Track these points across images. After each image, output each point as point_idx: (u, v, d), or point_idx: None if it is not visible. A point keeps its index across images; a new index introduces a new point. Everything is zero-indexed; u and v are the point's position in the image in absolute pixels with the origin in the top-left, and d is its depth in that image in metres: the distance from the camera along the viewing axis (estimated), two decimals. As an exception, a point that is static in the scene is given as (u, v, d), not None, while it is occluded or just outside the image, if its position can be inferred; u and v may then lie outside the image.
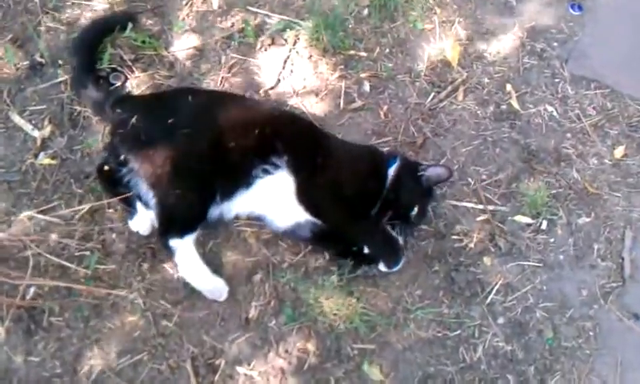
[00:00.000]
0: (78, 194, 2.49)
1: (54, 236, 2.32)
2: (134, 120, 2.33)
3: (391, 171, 2.48)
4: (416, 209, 2.46)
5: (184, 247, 2.32)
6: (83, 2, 2.91)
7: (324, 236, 2.49)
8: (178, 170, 2.29)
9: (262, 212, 2.48)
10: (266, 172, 2.39)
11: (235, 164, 2.37)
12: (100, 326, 2.29)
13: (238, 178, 2.39)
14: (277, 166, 2.39)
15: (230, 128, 2.37)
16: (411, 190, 2.47)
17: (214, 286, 2.37)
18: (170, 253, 2.35)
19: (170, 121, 2.33)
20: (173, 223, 2.33)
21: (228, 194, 2.39)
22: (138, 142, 2.32)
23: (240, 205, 2.44)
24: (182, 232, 2.32)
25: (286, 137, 2.42)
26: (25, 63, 2.73)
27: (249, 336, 2.34)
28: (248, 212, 2.49)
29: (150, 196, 2.34)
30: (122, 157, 2.34)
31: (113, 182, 2.39)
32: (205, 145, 2.33)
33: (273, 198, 2.43)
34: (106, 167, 2.42)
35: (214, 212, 2.40)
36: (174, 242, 2.31)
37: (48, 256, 2.25)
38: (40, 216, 2.33)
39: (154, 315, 2.33)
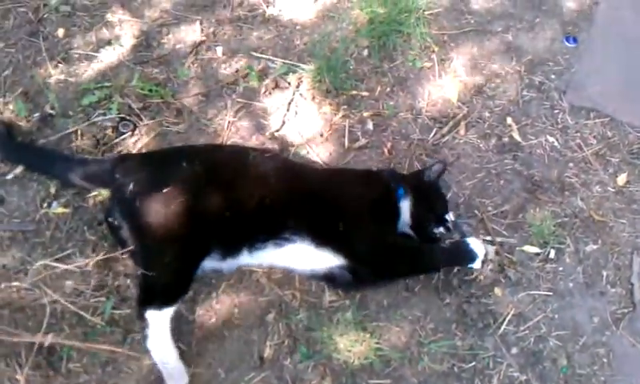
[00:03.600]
0: (92, 241, 2.51)
1: (69, 283, 2.36)
2: (131, 187, 2.30)
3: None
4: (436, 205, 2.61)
5: (159, 321, 2.26)
6: (91, 53, 2.97)
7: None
8: (167, 240, 2.27)
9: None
10: (277, 245, 2.41)
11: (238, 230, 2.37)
12: (117, 370, 2.29)
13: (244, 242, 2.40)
14: (289, 240, 2.40)
15: (229, 194, 2.36)
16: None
17: (176, 372, 2.29)
18: (143, 323, 2.28)
19: (164, 191, 2.29)
20: (154, 293, 2.27)
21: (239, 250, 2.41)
22: (132, 209, 2.29)
23: (261, 259, 2.46)
24: (161, 304, 2.27)
25: (296, 209, 2.42)
26: (35, 115, 2.77)
27: (264, 375, 2.34)
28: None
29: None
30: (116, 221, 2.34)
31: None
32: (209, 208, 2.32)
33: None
34: (111, 219, 2.41)
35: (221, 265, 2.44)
36: (150, 314, 2.25)
37: (64, 303, 2.26)
38: (55, 264, 2.35)
39: (171, 358, 2.33)
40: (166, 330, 2.27)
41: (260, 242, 2.39)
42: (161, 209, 2.27)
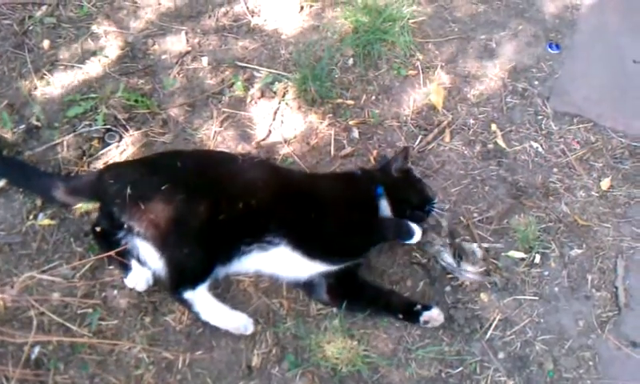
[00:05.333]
0: (78, 252, 2.51)
1: (56, 295, 2.36)
2: (129, 191, 2.35)
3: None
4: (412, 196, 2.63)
5: (199, 296, 2.36)
6: (76, 65, 2.98)
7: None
8: (183, 232, 2.34)
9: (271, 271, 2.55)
10: (262, 248, 2.44)
11: (229, 232, 2.41)
12: (105, 381, 2.29)
13: (234, 246, 2.44)
14: (272, 244, 2.43)
15: (221, 197, 2.41)
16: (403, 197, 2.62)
17: (238, 323, 2.40)
18: (186, 305, 2.39)
19: (163, 188, 2.36)
20: (184, 278, 2.36)
21: (231, 256, 2.45)
22: (138, 210, 2.34)
23: (247, 265, 2.50)
24: (193, 284, 2.35)
25: (279, 211, 2.45)
26: (21, 127, 2.77)
27: (253, 384, 2.35)
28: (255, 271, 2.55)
29: (154, 256, 2.38)
30: (125, 224, 2.38)
31: (108, 241, 2.43)
32: (201, 207, 2.36)
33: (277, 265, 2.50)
34: (98, 228, 2.47)
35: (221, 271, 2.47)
36: (188, 295, 2.35)
37: (51, 315, 2.27)
38: (41, 276, 2.35)
39: (159, 368, 2.33)
40: (209, 298, 2.39)
41: (246, 246, 2.42)
42: (164, 205, 2.33)
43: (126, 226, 2.38)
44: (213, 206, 2.37)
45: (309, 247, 2.44)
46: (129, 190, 2.35)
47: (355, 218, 2.52)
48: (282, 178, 2.62)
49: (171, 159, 2.55)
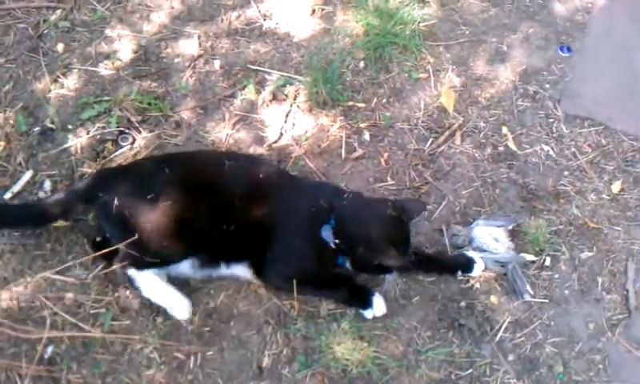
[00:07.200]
0: (91, 253, 2.52)
1: (69, 295, 2.39)
2: (116, 202, 2.30)
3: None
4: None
5: (143, 276, 2.38)
6: (89, 68, 3.01)
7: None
8: (167, 235, 2.33)
9: None
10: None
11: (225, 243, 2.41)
12: (118, 381, 2.31)
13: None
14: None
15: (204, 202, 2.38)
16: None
17: (176, 303, 2.41)
18: (127, 279, 2.40)
19: (149, 197, 2.31)
20: (137, 263, 2.35)
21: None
22: (125, 225, 2.30)
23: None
24: (142, 269, 2.37)
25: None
26: (36, 129, 2.81)
27: (263, 385, 2.37)
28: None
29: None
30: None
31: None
32: (189, 214, 2.34)
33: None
34: (98, 239, 2.49)
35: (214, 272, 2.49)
36: (132, 272, 2.37)
37: (64, 315, 2.29)
38: (55, 276, 2.38)
39: (170, 368, 2.35)
40: (152, 277, 2.39)
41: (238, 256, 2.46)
42: (150, 216, 2.30)
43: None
44: (203, 221, 2.36)
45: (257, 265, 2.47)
46: (116, 201, 2.30)
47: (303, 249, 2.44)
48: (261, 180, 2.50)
49: (159, 167, 2.46)
